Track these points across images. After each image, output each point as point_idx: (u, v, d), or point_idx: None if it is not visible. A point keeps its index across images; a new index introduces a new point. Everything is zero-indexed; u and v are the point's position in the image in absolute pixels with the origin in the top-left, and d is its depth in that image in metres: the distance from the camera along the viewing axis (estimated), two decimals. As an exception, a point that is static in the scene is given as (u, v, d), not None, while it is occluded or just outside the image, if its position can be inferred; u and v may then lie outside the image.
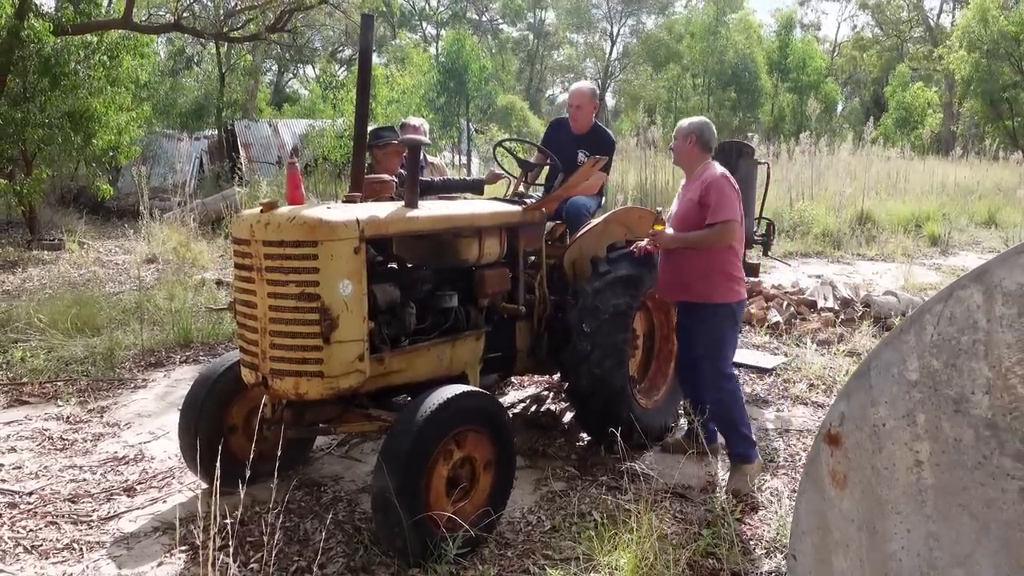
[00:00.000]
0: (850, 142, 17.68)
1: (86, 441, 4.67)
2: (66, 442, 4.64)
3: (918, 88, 33.19)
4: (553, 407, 5.20)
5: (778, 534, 3.49)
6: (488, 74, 25.88)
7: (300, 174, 3.57)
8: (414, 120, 5.53)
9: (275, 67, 40.25)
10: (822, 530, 1.75)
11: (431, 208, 3.78)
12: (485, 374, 4.29)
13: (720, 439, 4.31)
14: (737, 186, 4.02)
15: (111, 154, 13.98)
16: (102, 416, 5.11)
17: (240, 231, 3.34)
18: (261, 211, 3.31)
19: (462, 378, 4.01)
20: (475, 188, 5.50)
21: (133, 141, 14.95)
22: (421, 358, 3.72)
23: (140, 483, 4.09)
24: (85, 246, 12.50)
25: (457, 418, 3.24)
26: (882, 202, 14.71)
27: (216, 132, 22.76)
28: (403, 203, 3.70)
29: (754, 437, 4.17)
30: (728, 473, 4.10)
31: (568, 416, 4.98)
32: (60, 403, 5.32)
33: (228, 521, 3.40)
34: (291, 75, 43.16)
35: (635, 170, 15.63)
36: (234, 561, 3.21)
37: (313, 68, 39.74)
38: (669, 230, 4.10)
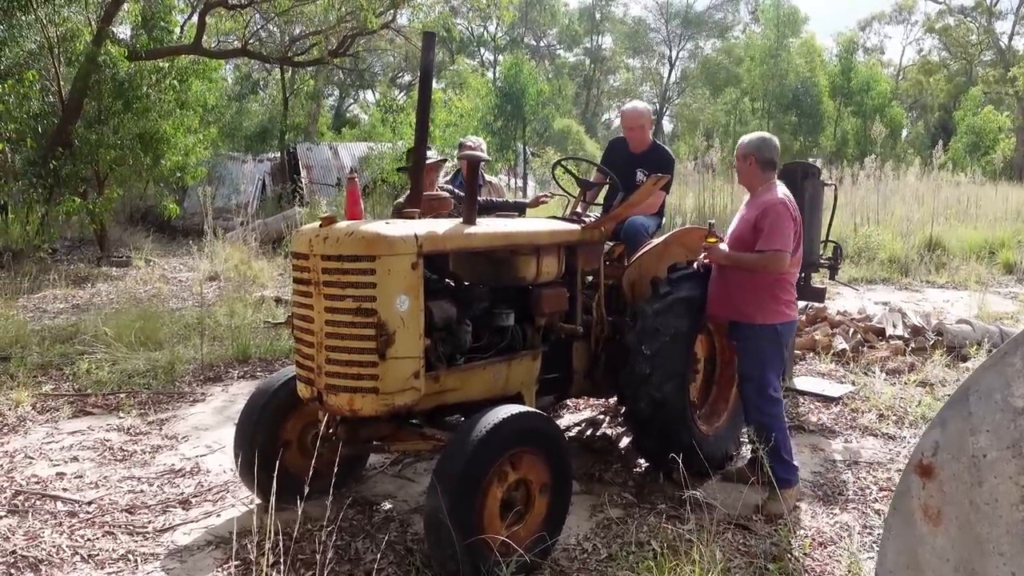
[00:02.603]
0: (917, 166, 17.13)
1: (145, 453, 4.72)
2: (126, 453, 4.70)
3: (988, 111, 32.10)
4: (609, 431, 5.07)
5: (849, 572, 3.29)
6: (545, 98, 26.00)
7: (359, 191, 3.56)
8: (472, 139, 5.52)
9: (336, 92, 41.23)
10: (913, 570, 1.60)
11: (489, 225, 3.73)
12: (541, 395, 4.20)
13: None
14: (797, 213, 3.90)
15: (178, 175, 14.44)
16: (161, 428, 5.17)
17: (299, 245, 3.34)
18: (320, 226, 3.30)
19: (518, 399, 3.93)
20: (517, 210, 5.43)
21: (199, 162, 15.44)
22: (476, 377, 3.66)
23: (195, 496, 4.10)
24: (151, 263, 12.87)
25: (513, 439, 3.16)
26: (952, 228, 14.17)
27: (279, 155, 23.34)
28: (461, 220, 3.66)
29: (796, 462, 4.06)
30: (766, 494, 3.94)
31: (625, 441, 4.85)
32: (122, 415, 5.41)
33: (280, 538, 3.38)
34: (352, 100, 44.15)
35: (693, 194, 15.44)
36: (285, 578, 3.17)
37: (373, 93, 40.61)
38: (723, 246, 4.02)
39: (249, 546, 3.43)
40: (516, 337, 3.88)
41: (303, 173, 21.56)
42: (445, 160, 5.43)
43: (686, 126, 40.56)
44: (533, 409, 3.30)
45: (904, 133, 42.69)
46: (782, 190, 3.94)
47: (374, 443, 3.57)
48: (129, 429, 5.13)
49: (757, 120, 34.04)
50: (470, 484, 2.99)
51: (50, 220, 12.54)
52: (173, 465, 4.52)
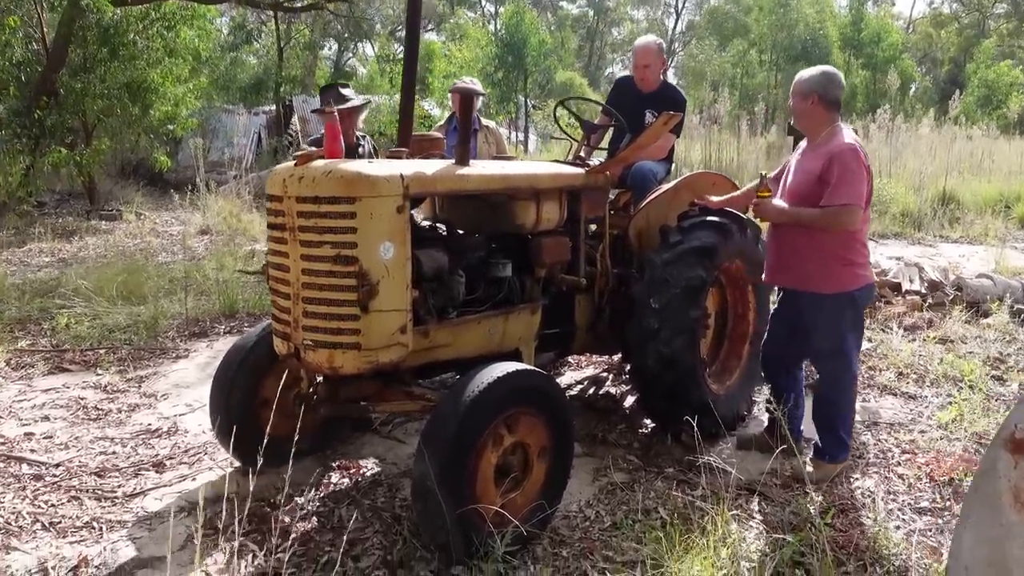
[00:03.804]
0: (932, 118, 16.61)
1: (121, 412, 4.45)
2: (100, 412, 4.44)
3: (1005, 65, 31.27)
4: (613, 389, 4.79)
5: (875, 542, 3.03)
6: (547, 49, 25.27)
7: (339, 126, 3.22)
8: (466, 79, 5.15)
9: (335, 46, 40.27)
10: (996, 567, 1.31)
11: (484, 167, 3.39)
12: (541, 352, 3.92)
13: (805, 430, 3.86)
14: (868, 162, 3.40)
15: (169, 126, 14.01)
16: (140, 386, 4.90)
17: (273, 186, 3.01)
18: (295, 164, 2.97)
19: (515, 355, 3.64)
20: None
21: (191, 113, 14.97)
22: (470, 332, 3.36)
23: (170, 458, 3.84)
24: (142, 217, 12.51)
25: (509, 399, 2.87)
26: (966, 182, 13.74)
27: (274, 107, 22.77)
28: (453, 160, 3.33)
29: (851, 443, 3.73)
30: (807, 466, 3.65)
31: (630, 400, 4.57)
32: (100, 371, 5.14)
33: (257, 504, 3.13)
34: (351, 53, 43.16)
35: (699, 147, 14.99)
36: (260, 549, 2.92)
37: (372, 45, 39.64)
38: (779, 202, 3.53)
39: (222, 514, 3.17)
40: (514, 289, 3.57)
41: (299, 126, 21.05)
42: (368, 103, 5.05)
43: (692, 78, 39.65)
44: (531, 367, 3.00)
45: (912, 88, 41.84)
46: (849, 134, 3.43)
47: (359, 403, 3.28)
48: (106, 386, 4.86)
49: (765, 72, 33.23)
50: (462, 449, 2.71)
51: (36, 172, 12.13)
52: (149, 425, 4.26)
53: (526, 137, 21.45)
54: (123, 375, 5.08)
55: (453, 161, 3.31)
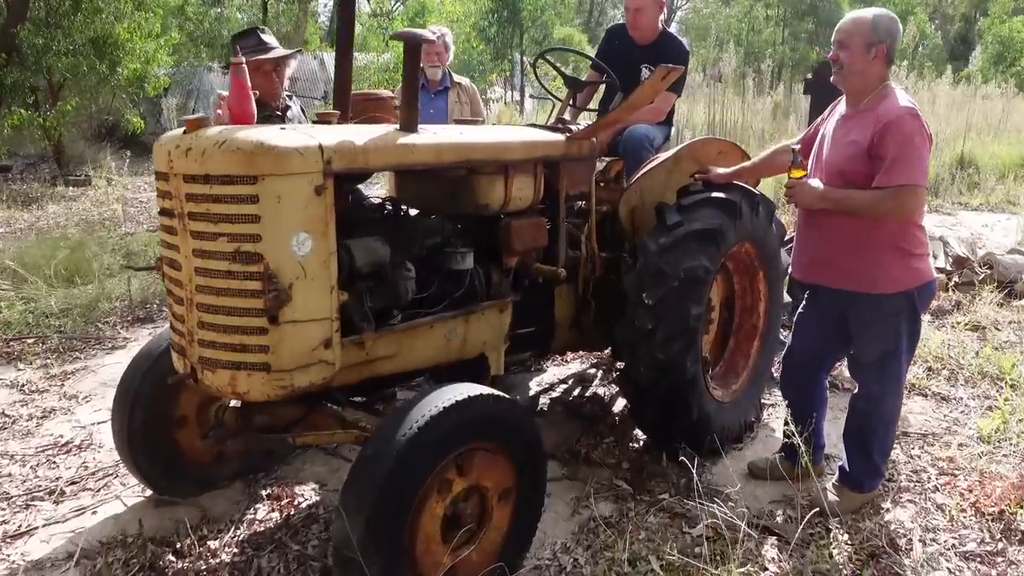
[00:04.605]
0: (950, 75, 15.76)
1: (32, 419, 3.85)
2: (7, 420, 3.83)
3: (1020, 21, 30.12)
4: (602, 390, 4.19)
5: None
6: (544, 3, 24.19)
7: (247, 80, 2.55)
8: (434, 28, 4.44)
9: (328, 1, 38.95)
10: None
11: (437, 134, 2.72)
12: (514, 352, 3.31)
13: (829, 453, 3.26)
14: (930, 130, 2.70)
15: (144, 86, 13.23)
16: (63, 385, 4.29)
17: (158, 161, 2.36)
18: (184, 132, 2.31)
19: (479, 363, 3.03)
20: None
21: (170, 71, 14.16)
22: (421, 338, 2.74)
23: (74, 482, 3.24)
24: (112, 183, 11.79)
25: (458, 435, 2.26)
26: (984, 145, 12.98)
27: (260, 65, 21.82)
28: (397, 126, 2.66)
29: (886, 471, 3.13)
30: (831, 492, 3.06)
31: (620, 404, 3.97)
32: (21, 366, 4.53)
33: (157, 550, 2.55)
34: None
35: (702, 108, 14.19)
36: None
37: (368, 1, 38.32)
38: (816, 182, 2.83)
39: (115, 564, 2.58)
40: (477, 284, 2.93)
41: (287, 85, 20.17)
42: (297, 53, 4.12)
43: (695, 34, 38.41)
44: (488, 391, 2.37)
45: (921, 46, 40.59)
46: (904, 95, 2.72)
47: (278, 434, 2.65)
48: (24, 386, 4.26)
49: (771, 28, 32.09)
50: (393, 505, 2.10)
51: (-4, 134, 11.43)
52: (60, 437, 3.66)
53: (522, 97, 20.56)
54: (47, 371, 4.48)
55: (397, 127, 2.65)
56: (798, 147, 2.89)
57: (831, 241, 2.82)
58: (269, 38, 3.78)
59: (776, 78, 21.51)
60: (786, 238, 3.85)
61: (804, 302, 3.14)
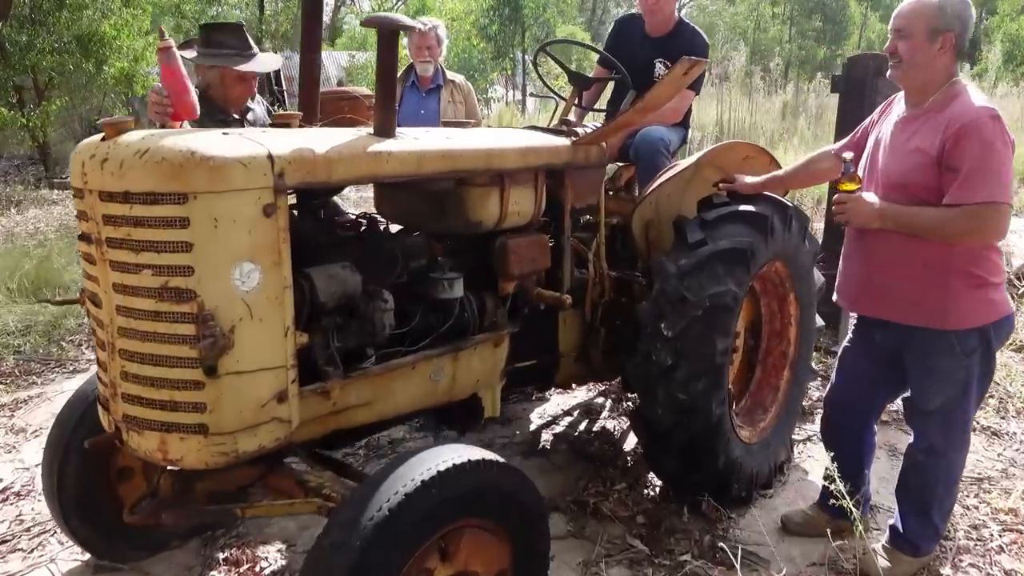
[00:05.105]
0: (967, 73, 15.32)
1: (-30, 458, 3.43)
2: (-58, 460, 3.42)
3: (1031, 17, 29.63)
4: (611, 423, 3.75)
5: None
6: (546, 1, 23.75)
7: (181, 67, 2.12)
8: (425, 20, 4.01)
9: (332, 2, 38.55)
10: None
11: (419, 139, 2.29)
12: (512, 388, 2.88)
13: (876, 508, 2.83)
14: (1012, 136, 2.25)
15: (133, 84, 12.82)
16: (12, 416, 3.87)
17: (73, 174, 1.92)
18: (102, 139, 1.88)
19: (471, 404, 2.61)
20: None
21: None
22: (401, 382, 2.31)
23: (3, 541, 2.81)
24: (99, 185, 11.39)
25: (443, 514, 1.82)
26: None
27: (258, 65, 21.45)
28: (371, 130, 2.23)
29: (945, 531, 2.69)
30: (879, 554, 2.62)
31: (632, 441, 3.53)
32: (-30, 393, 4.11)
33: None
34: (347, 11, 41.46)
35: (713, 107, 13.75)
36: None
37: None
38: (871, 196, 2.38)
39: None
40: (468, 314, 2.50)
41: (284, 84, 19.79)
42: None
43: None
44: (479, 455, 1.93)
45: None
46: (979, 96, 2.28)
47: (223, 504, 2.21)
48: (-32, 417, 3.84)
49: (777, 26, 31.61)
50: (356, 609, 1.67)
51: (-22, 135, 11.06)
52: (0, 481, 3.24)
53: (523, 97, 20.13)
54: (-4, 398, 4.06)
55: (370, 132, 2.22)
56: (850, 156, 2.44)
57: (890, 267, 2.38)
58: (250, 39, 3.22)
59: (784, 77, 21.09)
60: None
61: (851, 335, 2.70)
